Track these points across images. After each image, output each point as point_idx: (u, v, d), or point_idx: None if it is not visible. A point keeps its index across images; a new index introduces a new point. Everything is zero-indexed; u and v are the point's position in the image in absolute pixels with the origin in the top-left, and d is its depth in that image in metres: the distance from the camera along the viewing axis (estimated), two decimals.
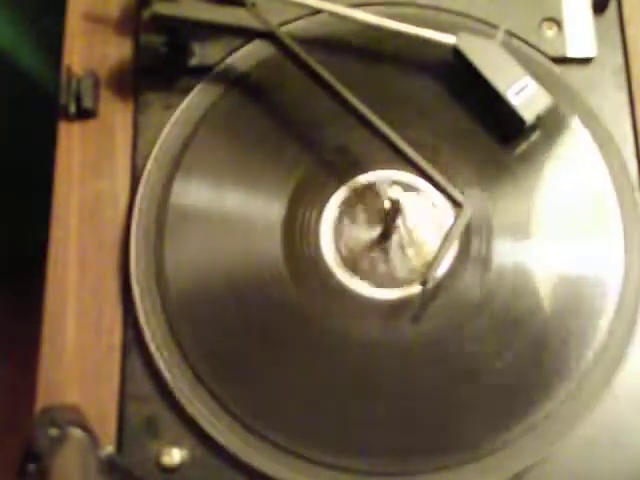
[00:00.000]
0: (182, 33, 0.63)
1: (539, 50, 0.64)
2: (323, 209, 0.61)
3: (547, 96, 0.60)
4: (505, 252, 0.59)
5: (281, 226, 0.60)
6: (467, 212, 0.57)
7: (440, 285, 0.59)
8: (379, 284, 0.59)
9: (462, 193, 0.58)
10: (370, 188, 0.61)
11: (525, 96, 0.60)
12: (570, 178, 0.61)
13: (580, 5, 0.65)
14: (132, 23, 0.66)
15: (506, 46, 0.62)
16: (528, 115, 0.60)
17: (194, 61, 0.64)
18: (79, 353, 0.58)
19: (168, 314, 0.58)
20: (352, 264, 0.60)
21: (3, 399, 1.04)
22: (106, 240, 0.61)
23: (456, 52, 0.62)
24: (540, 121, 0.61)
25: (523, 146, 0.62)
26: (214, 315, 0.59)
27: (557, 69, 0.64)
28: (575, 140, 0.62)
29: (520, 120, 0.60)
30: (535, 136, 0.62)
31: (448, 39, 0.61)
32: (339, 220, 0.61)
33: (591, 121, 0.62)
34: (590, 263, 0.59)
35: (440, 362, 0.57)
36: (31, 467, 0.48)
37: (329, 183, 0.62)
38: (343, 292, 0.59)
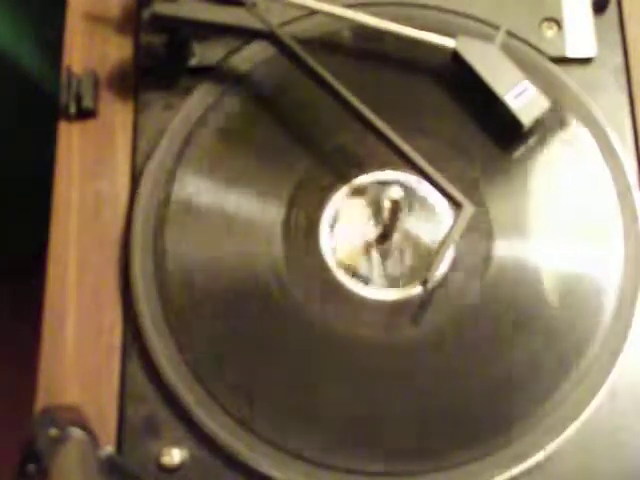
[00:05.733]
0: (182, 33, 0.63)
1: (539, 50, 0.64)
2: (323, 209, 0.61)
3: (545, 100, 0.60)
4: (504, 252, 0.59)
5: (281, 226, 0.60)
6: (467, 212, 0.57)
7: (440, 285, 0.59)
8: (379, 284, 0.59)
9: (462, 193, 0.58)
10: (370, 188, 0.61)
11: (524, 100, 0.60)
12: (570, 178, 0.61)
13: (580, 5, 0.65)
14: (132, 23, 0.66)
15: (506, 48, 0.62)
16: (526, 119, 0.60)
17: (194, 61, 0.64)
18: (79, 353, 0.59)
19: (168, 314, 0.58)
20: (352, 264, 0.60)
21: (3, 399, 1.04)
22: (106, 240, 0.61)
23: (455, 55, 0.62)
24: (539, 125, 0.61)
25: (522, 147, 0.62)
26: (214, 315, 0.59)
27: (557, 69, 0.64)
28: (575, 140, 0.62)
29: (518, 124, 0.60)
30: (535, 137, 0.62)
31: (447, 42, 0.61)
32: (339, 220, 0.61)
33: (591, 121, 0.62)
34: (589, 263, 0.59)
35: (440, 362, 0.57)
36: (31, 467, 0.48)
37: (329, 183, 0.62)
38: (343, 292, 0.59)
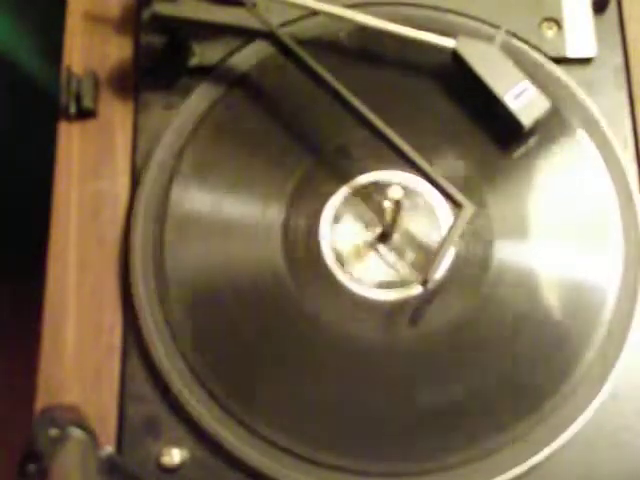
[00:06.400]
0: (182, 33, 0.63)
1: (539, 50, 0.64)
2: (323, 209, 0.61)
3: (545, 100, 0.60)
4: (504, 253, 0.59)
5: (281, 226, 0.60)
6: (467, 212, 0.57)
7: (440, 285, 0.59)
8: (379, 284, 0.59)
9: (462, 194, 0.58)
10: (370, 188, 0.61)
11: (524, 100, 0.60)
12: (570, 179, 0.61)
13: (580, 5, 0.65)
14: (132, 23, 0.66)
15: (505, 48, 0.62)
16: (526, 119, 0.60)
17: (194, 61, 0.64)
18: (79, 353, 0.59)
19: (168, 314, 0.58)
20: (352, 264, 0.60)
21: (3, 399, 1.04)
22: (106, 240, 0.61)
23: (455, 55, 0.62)
24: (539, 125, 0.61)
25: (523, 147, 0.62)
26: (214, 315, 0.59)
27: (557, 69, 0.64)
28: (574, 140, 0.62)
29: (518, 124, 0.60)
30: (535, 137, 0.62)
31: (447, 42, 0.61)
32: (339, 220, 0.61)
33: (591, 121, 0.62)
34: (589, 264, 0.59)
35: (440, 362, 0.57)
36: (31, 467, 0.48)
37: (329, 183, 0.62)
38: (343, 292, 0.59)
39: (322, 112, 0.62)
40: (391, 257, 0.60)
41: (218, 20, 0.63)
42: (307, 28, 0.65)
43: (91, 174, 0.63)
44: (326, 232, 0.60)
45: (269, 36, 0.63)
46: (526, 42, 0.64)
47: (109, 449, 0.52)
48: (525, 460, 0.55)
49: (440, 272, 0.58)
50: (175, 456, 0.55)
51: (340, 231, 0.60)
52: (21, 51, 0.81)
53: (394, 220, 0.59)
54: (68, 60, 0.66)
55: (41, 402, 0.57)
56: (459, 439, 0.55)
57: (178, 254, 0.60)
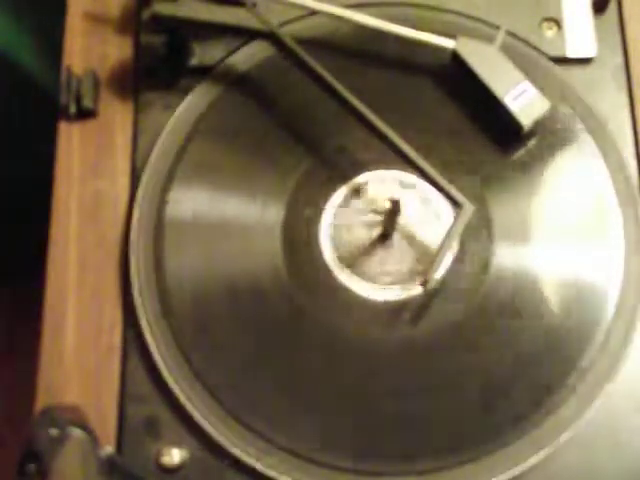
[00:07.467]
0: (182, 33, 0.63)
1: (539, 50, 0.64)
2: (323, 209, 0.61)
3: (545, 101, 0.60)
4: (505, 253, 0.59)
5: (281, 226, 0.60)
6: (467, 212, 0.57)
7: (440, 285, 0.59)
8: (379, 284, 0.59)
9: (462, 193, 0.58)
10: (370, 188, 0.61)
11: (523, 101, 0.60)
12: (570, 179, 0.61)
13: (580, 5, 0.65)
14: (132, 23, 0.66)
15: (505, 48, 0.62)
16: (526, 120, 0.60)
17: (194, 61, 0.64)
18: (79, 353, 0.59)
19: (168, 314, 0.58)
20: (352, 264, 0.60)
21: (3, 399, 1.04)
22: (106, 240, 0.61)
23: (455, 56, 0.62)
24: (539, 125, 0.61)
25: (523, 148, 0.62)
26: (214, 315, 0.59)
27: (557, 69, 0.64)
28: (575, 141, 0.62)
29: (518, 125, 0.60)
30: (535, 137, 0.62)
31: (447, 43, 0.61)
32: (339, 220, 0.61)
33: (591, 121, 0.62)
34: (590, 264, 0.59)
35: (439, 363, 0.57)
36: (31, 467, 0.48)
37: (329, 183, 0.62)
38: (343, 293, 0.59)
39: (322, 112, 0.62)
40: (391, 257, 0.60)
41: (218, 20, 0.63)
42: (307, 28, 0.65)
43: (91, 174, 0.63)
44: (326, 232, 0.60)
45: (269, 36, 0.63)
46: (526, 42, 0.64)
47: (109, 449, 0.52)
48: (525, 460, 0.55)
49: (440, 272, 0.58)
50: (175, 456, 0.55)
51: (340, 231, 0.60)
52: (21, 51, 0.81)
53: (394, 220, 0.59)
54: (68, 60, 0.66)
55: (41, 402, 0.57)
56: (459, 439, 0.55)
57: (178, 254, 0.60)
